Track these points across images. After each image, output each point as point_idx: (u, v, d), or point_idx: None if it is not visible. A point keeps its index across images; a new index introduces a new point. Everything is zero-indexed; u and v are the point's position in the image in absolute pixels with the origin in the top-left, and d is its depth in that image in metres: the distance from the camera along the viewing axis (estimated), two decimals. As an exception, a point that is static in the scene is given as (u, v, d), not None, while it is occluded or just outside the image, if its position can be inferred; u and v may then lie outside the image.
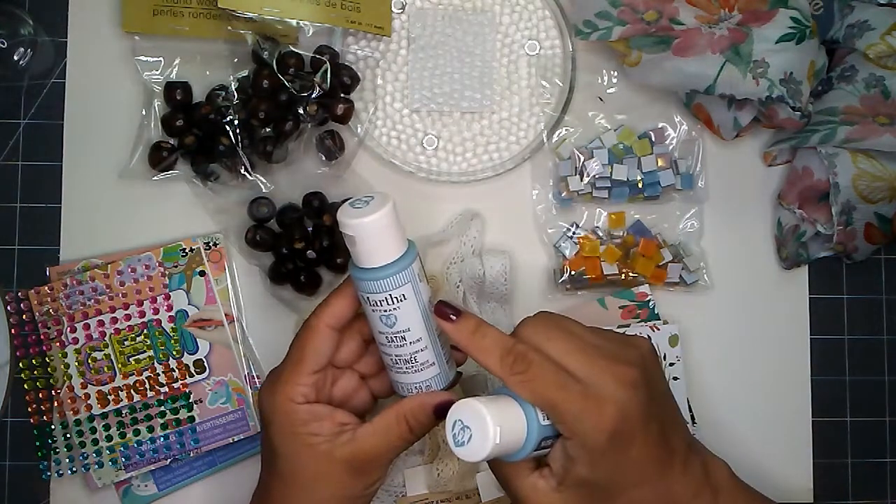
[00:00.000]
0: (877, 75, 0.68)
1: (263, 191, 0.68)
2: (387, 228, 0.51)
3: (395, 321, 0.52)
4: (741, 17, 0.66)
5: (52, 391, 0.67)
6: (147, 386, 0.67)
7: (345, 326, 0.56)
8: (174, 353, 0.68)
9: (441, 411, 0.52)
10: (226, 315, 0.68)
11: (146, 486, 0.68)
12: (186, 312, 0.68)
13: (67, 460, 0.67)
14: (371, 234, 0.51)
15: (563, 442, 0.50)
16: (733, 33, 0.65)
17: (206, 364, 0.68)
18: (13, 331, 0.68)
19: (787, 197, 0.71)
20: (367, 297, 0.52)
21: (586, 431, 0.48)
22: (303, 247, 0.67)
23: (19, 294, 0.68)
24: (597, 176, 0.69)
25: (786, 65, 0.64)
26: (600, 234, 0.71)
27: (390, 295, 0.52)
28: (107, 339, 0.67)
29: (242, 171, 0.66)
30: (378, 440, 0.53)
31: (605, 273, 0.69)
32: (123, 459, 0.67)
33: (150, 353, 0.67)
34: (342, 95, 0.68)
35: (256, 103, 0.65)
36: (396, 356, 0.54)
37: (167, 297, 0.68)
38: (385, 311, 0.52)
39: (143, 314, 0.67)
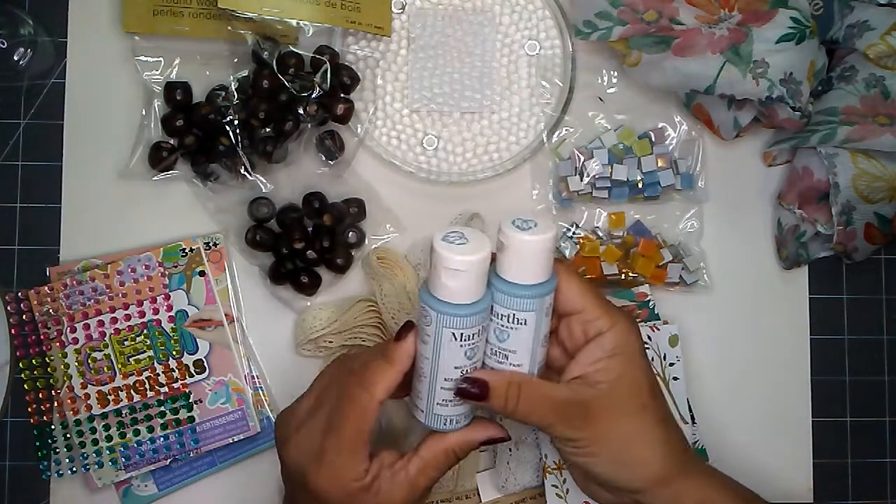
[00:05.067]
0: (877, 75, 0.68)
1: (263, 191, 0.68)
2: (549, 252, 0.51)
3: (506, 338, 0.52)
4: (741, 17, 0.66)
5: (52, 391, 0.67)
6: (147, 386, 0.67)
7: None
8: (174, 353, 0.68)
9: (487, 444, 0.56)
10: (226, 315, 0.68)
11: (146, 486, 0.68)
12: (186, 312, 0.68)
13: (67, 460, 0.67)
14: (534, 251, 0.51)
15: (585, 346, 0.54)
16: (733, 33, 0.65)
17: (205, 364, 0.68)
18: (13, 331, 0.68)
19: (787, 197, 0.71)
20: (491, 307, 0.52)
21: (610, 332, 0.53)
22: (303, 247, 0.67)
23: (19, 294, 0.68)
24: (597, 176, 0.69)
25: (786, 65, 0.64)
26: (600, 234, 0.71)
27: (514, 314, 0.52)
28: (107, 339, 0.67)
29: (242, 171, 0.66)
30: (429, 475, 0.55)
31: (605, 273, 0.69)
32: (123, 459, 0.67)
33: (150, 353, 0.67)
34: (342, 95, 0.68)
35: (256, 103, 0.65)
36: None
37: (167, 297, 0.68)
38: (501, 326, 0.52)
39: (143, 314, 0.67)
